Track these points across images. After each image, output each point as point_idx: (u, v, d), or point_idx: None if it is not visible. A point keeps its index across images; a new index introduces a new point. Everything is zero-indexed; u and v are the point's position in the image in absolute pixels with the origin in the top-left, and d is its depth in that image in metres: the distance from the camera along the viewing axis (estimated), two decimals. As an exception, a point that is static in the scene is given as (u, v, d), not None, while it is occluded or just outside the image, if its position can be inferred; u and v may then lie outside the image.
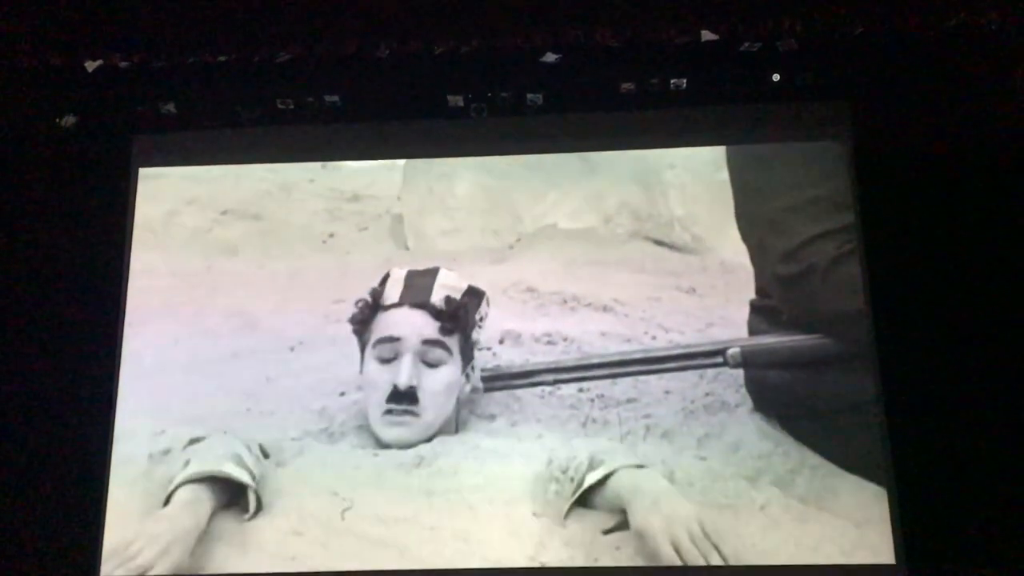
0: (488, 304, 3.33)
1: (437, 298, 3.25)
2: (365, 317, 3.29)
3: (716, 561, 3.00)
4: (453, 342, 3.24)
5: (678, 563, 2.98)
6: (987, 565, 3.06)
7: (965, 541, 3.07)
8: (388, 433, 3.20)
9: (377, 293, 3.30)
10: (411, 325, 3.23)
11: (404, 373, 3.18)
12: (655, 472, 3.11)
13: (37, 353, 3.46)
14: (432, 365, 3.21)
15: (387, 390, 3.18)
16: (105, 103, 3.59)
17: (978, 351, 3.23)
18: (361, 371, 3.28)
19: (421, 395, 3.18)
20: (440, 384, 3.22)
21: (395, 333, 3.22)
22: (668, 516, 3.02)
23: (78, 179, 3.59)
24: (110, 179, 3.59)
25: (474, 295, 3.31)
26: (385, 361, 3.22)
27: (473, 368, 3.28)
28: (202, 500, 3.12)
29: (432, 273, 3.32)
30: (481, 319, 3.32)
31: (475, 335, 3.30)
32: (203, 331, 3.43)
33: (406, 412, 3.18)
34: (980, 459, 3.14)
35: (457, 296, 3.27)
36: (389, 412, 3.19)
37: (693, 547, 2.99)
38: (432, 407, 3.20)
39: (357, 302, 3.31)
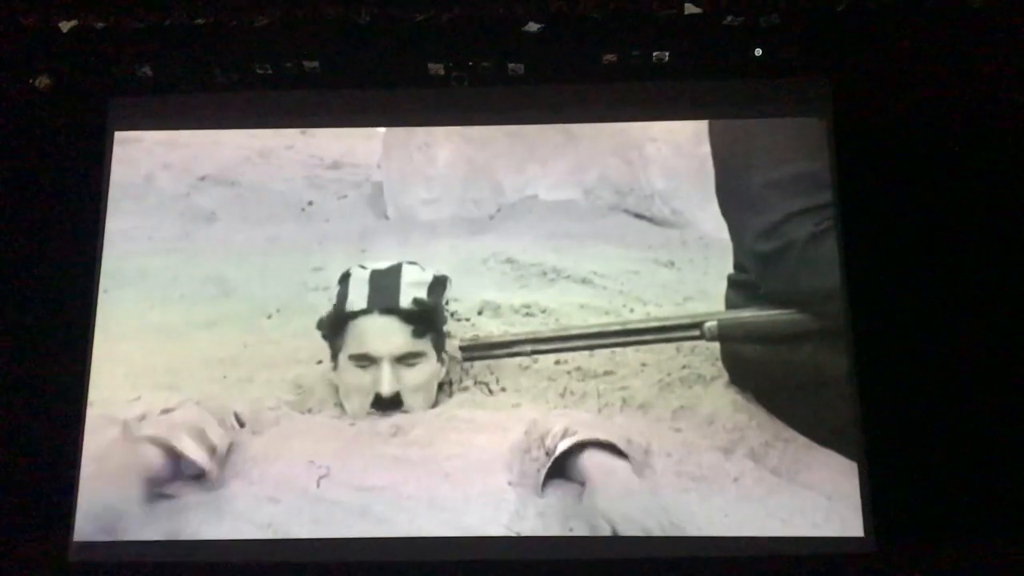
0: (451, 284, 3.32)
1: (406, 301, 3.22)
2: (334, 324, 3.25)
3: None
4: (426, 341, 3.23)
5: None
6: (954, 539, 3.11)
7: (933, 515, 3.12)
8: (375, 427, 3.21)
9: (342, 296, 3.26)
10: (383, 337, 3.20)
11: (385, 384, 3.19)
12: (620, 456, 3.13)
13: (11, 317, 3.43)
14: (410, 365, 3.22)
15: (369, 394, 3.21)
16: (81, 65, 3.52)
17: (951, 330, 3.27)
18: (335, 368, 3.25)
19: (404, 395, 3.21)
20: (421, 380, 3.23)
21: (370, 351, 3.20)
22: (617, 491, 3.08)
23: (53, 141, 3.54)
24: (86, 142, 3.54)
25: (439, 284, 3.29)
26: (363, 367, 3.22)
27: (446, 352, 3.27)
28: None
29: (396, 271, 3.29)
30: (447, 302, 3.32)
31: (444, 317, 3.29)
32: (179, 297, 3.41)
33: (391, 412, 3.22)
34: (950, 436, 3.19)
35: (423, 292, 3.24)
36: (373, 413, 3.22)
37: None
38: (415, 400, 3.23)
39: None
